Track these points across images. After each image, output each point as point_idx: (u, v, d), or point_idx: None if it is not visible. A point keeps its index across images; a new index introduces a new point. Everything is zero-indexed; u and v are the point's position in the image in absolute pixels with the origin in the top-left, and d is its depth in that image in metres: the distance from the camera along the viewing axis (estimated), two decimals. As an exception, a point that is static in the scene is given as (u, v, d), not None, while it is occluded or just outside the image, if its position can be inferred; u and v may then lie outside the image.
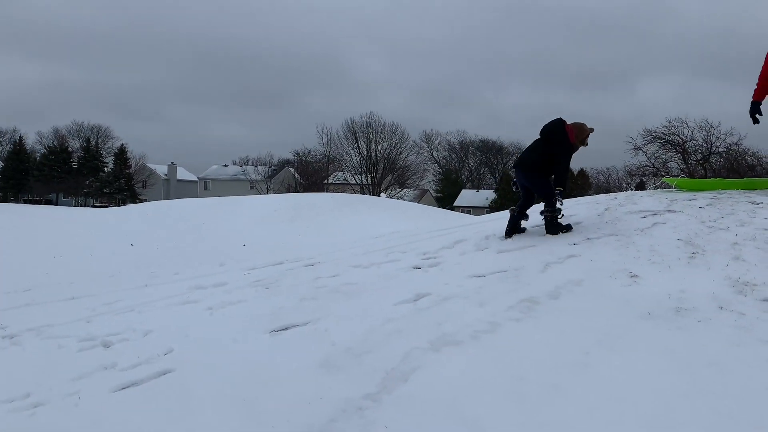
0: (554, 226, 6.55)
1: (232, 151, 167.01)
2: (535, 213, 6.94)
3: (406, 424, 3.00)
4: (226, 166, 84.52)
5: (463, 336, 4.04)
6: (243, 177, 73.68)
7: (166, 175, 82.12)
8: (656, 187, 9.97)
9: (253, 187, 68.46)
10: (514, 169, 6.93)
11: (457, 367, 3.63)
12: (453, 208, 58.93)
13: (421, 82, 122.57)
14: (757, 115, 7.48)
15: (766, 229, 5.72)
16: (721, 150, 31.97)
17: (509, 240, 6.66)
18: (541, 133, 6.73)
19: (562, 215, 6.66)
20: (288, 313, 5.01)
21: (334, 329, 4.44)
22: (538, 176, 6.66)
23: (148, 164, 79.89)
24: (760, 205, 6.61)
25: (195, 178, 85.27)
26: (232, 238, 13.82)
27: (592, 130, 6.68)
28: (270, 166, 75.72)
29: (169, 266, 9.31)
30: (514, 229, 6.84)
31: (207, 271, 7.98)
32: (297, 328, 4.63)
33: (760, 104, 7.50)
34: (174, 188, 79.41)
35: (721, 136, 31.77)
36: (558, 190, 6.56)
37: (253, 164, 78.14)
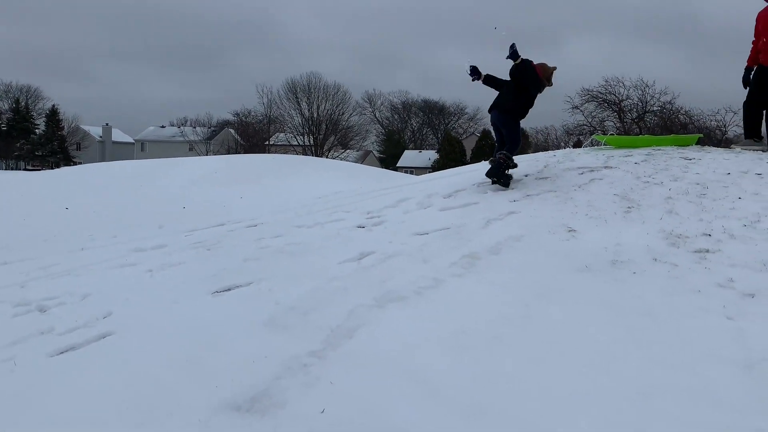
0: (499, 171, 6.63)
1: (169, 112, 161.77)
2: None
3: (351, 379, 3.02)
4: (163, 127, 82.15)
5: (407, 292, 4.08)
6: (181, 138, 71.83)
7: (100, 137, 79.39)
8: (588, 145, 10.26)
9: (192, 148, 66.85)
10: (490, 113, 7.04)
11: (402, 322, 3.67)
12: (396, 169, 58.87)
13: (359, 41, 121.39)
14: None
15: (698, 184, 5.92)
16: (655, 109, 32.91)
17: (451, 197, 6.71)
18: (510, 74, 6.77)
19: (516, 166, 6.76)
20: (230, 274, 4.94)
21: (278, 289, 4.41)
22: (512, 119, 6.81)
23: (82, 126, 76.97)
24: (693, 161, 6.82)
25: (131, 140, 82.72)
26: (171, 200, 13.51)
27: (554, 68, 6.80)
28: (209, 127, 74.01)
29: (107, 229, 9.05)
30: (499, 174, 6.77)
31: (146, 233, 7.79)
32: (240, 288, 4.58)
33: (753, 70, 7.73)
34: (109, 150, 76.87)
35: (656, 95, 32.70)
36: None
37: (191, 125, 76.16)
